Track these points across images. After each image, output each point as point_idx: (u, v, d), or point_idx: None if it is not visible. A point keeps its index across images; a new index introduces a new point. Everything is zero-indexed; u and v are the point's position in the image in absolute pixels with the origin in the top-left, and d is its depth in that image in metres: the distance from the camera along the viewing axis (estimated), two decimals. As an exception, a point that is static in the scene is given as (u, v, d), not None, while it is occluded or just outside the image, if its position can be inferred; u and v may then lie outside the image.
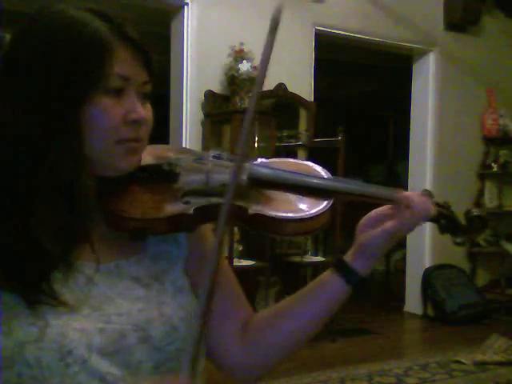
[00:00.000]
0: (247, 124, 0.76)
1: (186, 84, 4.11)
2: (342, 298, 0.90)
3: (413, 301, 5.46)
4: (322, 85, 5.01)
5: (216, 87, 4.15)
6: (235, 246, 3.97)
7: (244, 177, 0.85)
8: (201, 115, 4.15)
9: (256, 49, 4.03)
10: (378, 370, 3.80)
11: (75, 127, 0.76)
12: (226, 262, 1.01)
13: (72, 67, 0.76)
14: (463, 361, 3.94)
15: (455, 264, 5.41)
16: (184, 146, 4.08)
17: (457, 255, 5.41)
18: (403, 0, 5.07)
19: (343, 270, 0.89)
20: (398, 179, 7.85)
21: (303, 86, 4.53)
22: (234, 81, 4.02)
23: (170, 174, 0.86)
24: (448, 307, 5.13)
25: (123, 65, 0.78)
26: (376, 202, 0.89)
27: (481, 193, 5.64)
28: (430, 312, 5.31)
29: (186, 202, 0.82)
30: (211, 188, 0.84)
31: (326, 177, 0.92)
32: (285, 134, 4.52)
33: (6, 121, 0.77)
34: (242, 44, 4.07)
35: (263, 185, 0.87)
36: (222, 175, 0.85)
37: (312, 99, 4.61)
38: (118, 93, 0.79)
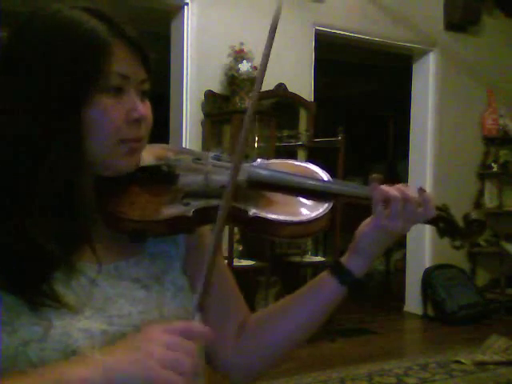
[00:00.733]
0: (246, 124, 0.76)
1: (186, 84, 4.11)
2: (337, 299, 0.90)
3: (413, 301, 5.46)
4: (322, 85, 5.01)
5: (216, 87, 4.15)
6: (235, 246, 3.97)
7: (243, 179, 0.84)
8: (201, 115, 4.15)
9: (256, 49, 4.03)
10: (377, 370, 3.80)
11: (76, 128, 0.76)
12: (224, 262, 1.00)
13: (71, 66, 0.76)
14: (463, 361, 3.93)
15: (455, 264, 5.41)
16: (184, 146, 4.08)
17: (457, 255, 5.40)
18: (403, 0, 5.07)
19: (338, 270, 0.89)
20: (398, 179, 7.85)
21: (303, 86, 4.53)
22: (233, 81, 4.02)
23: (169, 175, 0.86)
24: (448, 307, 5.13)
25: (122, 63, 0.78)
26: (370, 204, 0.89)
27: (481, 193, 5.64)
28: (430, 312, 5.31)
29: (186, 204, 0.82)
30: (211, 189, 0.84)
31: (325, 179, 0.91)
32: (285, 133, 4.52)
33: (6, 121, 0.77)
34: (242, 44, 4.07)
35: (262, 187, 0.87)
36: (222, 176, 0.85)
37: (312, 99, 4.61)
38: (118, 92, 0.79)
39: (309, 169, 0.94)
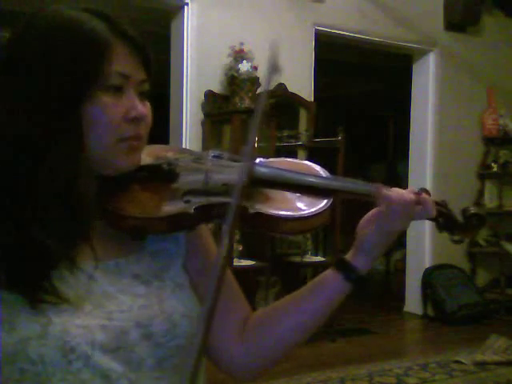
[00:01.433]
0: (253, 131, 0.76)
1: (186, 84, 4.11)
2: (341, 296, 0.90)
3: (413, 301, 5.46)
4: (322, 85, 5.01)
5: (216, 87, 4.15)
6: (235, 246, 3.97)
7: (244, 176, 0.85)
8: (201, 115, 4.15)
9: (256, 49, 4.03)
10: (377, 370, 3.80)
11: (76, 127, 0.77)
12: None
13: (71, 66, 0.76)
14: (463, 361, 3.94)
15: (455, 264, 5.41)
16: (184, 146, 4.08)
17: (457, 255, 5.41)
18: (403, 0, 5.07)
19: (343, 267, 0.90)
20: (398, 179, 7.85)
21: (303, 85, 4.53)
22: (233, 81, 4.02)
23: (169, 173, 0.87)
24: (448, 307, 5.13)
25: (122, 62, 0.79)
26: (369, 200, 0.89)
27: (481, 193, 5.64)
28: (430, 312, 5.31)
29: (187, 202, 0.82)
30: (211, 187, 0.85)
31: (324, 176, 0.92)
32: (285, 134, 4.52)
33: (6, 121, 0.77)
34: (242, 44, 4.07)
35: (262, 184, 0.87)
36: (222, 175, 0.86)
37: (312, 99, 4.61)
38: (118, 91, 0.79)
39: (307, 166, 0.95)
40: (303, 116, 4.64)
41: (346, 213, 3.93)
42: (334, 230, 4.35)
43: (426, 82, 5.36)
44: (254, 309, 0.97)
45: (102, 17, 0.79)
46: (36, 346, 0.71)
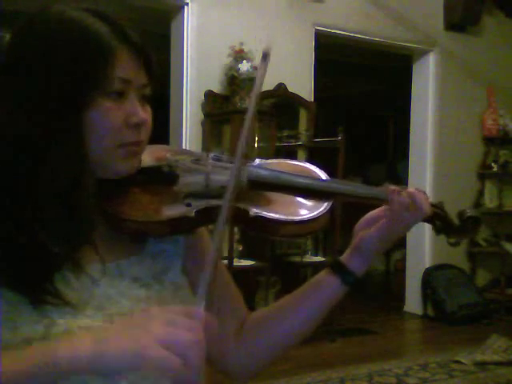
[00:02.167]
0: (245, 131, 0.76)
1: (186, 84, 4.11)
2: (337, 298, 0.91)
3: (413, 301, 5.46)
4: (322, 85, 5.01)
5: (216, 87, 4.15)
6: (235, 245, 3.97)
7: (244, 179, 0.85)
8: (201, 115, 4.15)
9: (256, 49, 4.03)
10: (377, 370, 3.80)
11: (76, 129, 0.76)
12: (221, 262, 1.01)
13: (73, 69, 0.76)
14: (463, 361, 3.94)
15: (455, 264, 5.41)
16: (184, 146, 4.08)
17: (457, 255, 5.41)
18: (403, 0, 5.07)
19: (339, 270, 0.90)
20: (398, 179, 7.85)
21: (303, 86, 4.53)
22: (233, 81, 4.02)
23: (169, 175, 0.86)
24: (448, 307, 5.13)
25: (124, 67, 0.78)
26: (372, 204, 0.90)
27: (481, 193, 5.64)
28: (430, 312, 5.31)
29: (188, 205, 0.82)
30: (211, 190, 0.85)
31: (324, 178, 0.92)
32: (285, 134, 4.52)
33: (6, 121, 0.77)
34: (241, 44, 4.07)
35: (262, 187, 0.87)
36: (223, 176, 0.86)
37: (312, 99, 4.61)
38: (119, 96, 0.79)
39: (307, 168, 0.95)
40: (303, 116, 4.63)
41: (346, 213, 3.93)
42: (334, 230, 4.35)
43: (426, 82, 5.36)
44: (254, 309, 0.98)
45: (105, 19, 0.78)
46: None
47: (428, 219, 0.90)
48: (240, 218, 0.82)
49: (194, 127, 4.14)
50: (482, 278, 5.72)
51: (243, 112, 3.88)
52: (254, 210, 0.82)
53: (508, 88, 5.69)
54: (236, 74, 4.00)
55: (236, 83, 4.00)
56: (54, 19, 0.78)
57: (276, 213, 0.83)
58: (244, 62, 4.01)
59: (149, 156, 0.87)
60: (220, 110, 4.09)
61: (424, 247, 5.31)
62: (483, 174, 5.63)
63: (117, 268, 0.82)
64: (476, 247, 5.55)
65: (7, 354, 0.66)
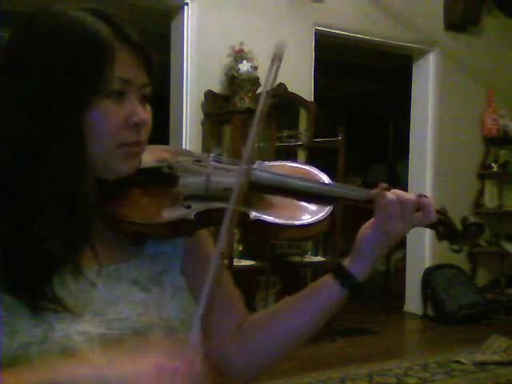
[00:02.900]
0: (253, 134, 0.76)
1: (186, 84, 4.11)
2: (338, 302, 0.90)
3: (413, 301, 5.46)
4: (322, 85, 5.01)
5: (216, 87, 4.15)
6: (235, 245, 3.97)
7: (245, 181, 0.84)
8: (201, 115, 4.15)
9: (256, 49, 4.03)
10: (378, 370, 3.80)
11: (77, 130, 0.76)
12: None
13: (73, 69, 0.75)
14: (463, 361, 3.93)
15: (455, 264, 5.41)
16: (184, 146, 4.08)
17: (457, 255, 5.40)
18: (403, 0, 5.07)
19: (340, 273, 0.90)
20: (398, 179, 7.85)
21: (303, 85, 4.53)
22: (233, 81, 4.02)
23: (170, 177, 0.86)
24: (448, 307, 5.13)
25: (124, 68, 0.78)
26: (370, 207, 0.89)
27: (481, 193, 5.64)
28: (430, 312, 5.31)
29: (187, 207, 0.82)
30: (212, 192, 0.84)
31: (326, 182, 0.91)
32: (285, 134, 4.52)
33: (6, 120, 0.77)
34: (241, 44, 4.06)
35: (263, 190, 0.87)
36: (223, 179, 0.85)
37: (312, 99, 4.61)
38: (119, 96, 0.78)
39: (310, 171, 0.94)
40: (303, 116, 4.63)
41: (346, 213, 3.92)
42: (334, 230, 4.35)
43: (426, 82, 5.36)
44: (254, 309, 0.98)
45: (106, 19, 0.78)
46: (37, 350, 0.71)
47: (431, 225, 0.89)
48: (240, 221, 0.81)
49: (194, 127, 4.14)
50: (482, 278, 5.72)
51: (243, 112, 3.88)
52: (254, 214, 0.82)
53: (508, 88, 5.68)
54: (236, 74, 4.00)
55: (236, 83, 4.00)
56: (54, 19, 0.78)
57: (276, 217, 0.83)
58: (244, 61, 4.01)
59: (149, 156, 0.87)
60: (220, 110, 4.09)
61: (424, 247, 5.31)
62: (483, 174, 5.63)
63: (115, 271, 0.82)
64: (476, 247, 5.55)
65: (7, 373, 0.66)
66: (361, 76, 7.95)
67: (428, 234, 5.16)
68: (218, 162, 0.91)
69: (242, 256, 4.08)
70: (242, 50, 4.05)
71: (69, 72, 0.75)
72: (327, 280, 0.90)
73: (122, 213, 0.80)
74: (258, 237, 0.98)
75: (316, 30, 4.62)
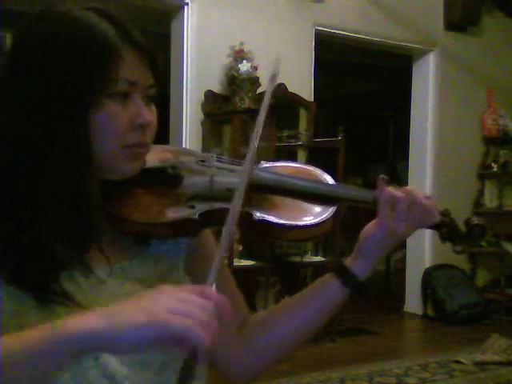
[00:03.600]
0: (255, 138, 0.76)
1: (186, 84, 4.11)
2: (339, 301, 0.90)
3: (413, 301, 5.46)
4: (321, 85, 5.01)
5: (216, 87, 4.15)
6: (235, 245, 3.97)
7: (248, 182, 0.84)
8: (201, 115, 4.15)
9: (256, 49, 4.03)
10: (378, 370, 3.80)
11: (81, 130, 0.75)
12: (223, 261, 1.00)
13: (75, 69, 0.75)
14: (463, 361, 3.93)
15: (455, 264, 5.41)
16: (184, 145, 4.08)
17: (457, 255, 5.39)
18: (403, 0, 5.07)
19: (341, 272, 0.90)
20: (398, 179, 7.84)
21: (303, 85, 4.53)
22: (234, 81, 4.02)
23: (174, 177, 0.86)
24: (448, 307, 5.13)
25: (130, 69, 0.77)
26: (374, 209, 0.88)
27: (481, 193, 5.64)
28: (430, 312, 5.31)
29: (191, 207, 0.82)
30: (216, 192, 0.84)
31: (330, 183, 0.91)
32: (285, 134, 4.52)
33: (6, 120, 0.77)
34: (241, 44, 4.07)
35: (267, 190, 0.87)
36: (227, 179, 0.85)
37: (312, 99, 4.61)
38: (124, 97, 0.78)
39: (313, 172, 0.94)
40: (303, 116, 4.63)
41: (347, 212, 3.92)
42: (335, 230, 4.35)
43: (426, 82, 5.36)
44: (254, 309, 0.98)
45: (112, 20, 0.78)
46: None
47: (434, 226, 0.89)
48: (243, 221, 0.81)
49: (194, 127, 4.14)
50: (482, 278, 5.72)
51: (243, 112, 3.89)
52: (257, 214, 0.82)
53: (508, 88, 5.68)
54: (236, 74, 4.00)
55: (236, 83, 4.00)
56: (59, 19, 0.77)
57: (279, 217, 0.83)
58: (244, 61, 4.01)
59: (153, 157, 0.86)
60: (220, 110, 4.09)
61: (424, 247, 5.32)
62: (483, 174, 5.63)
63: (121, 270, 0.82)
64: (476, 247, 5.54)
65: (11, 335, 0.64)
66: (361, 76, 7.95)
67: (428, 234, 5.15)
68: (222, 162, 0.90)
69: (242, 256, 4.08)
70: (242, 50, 4.05)
71: (70, 72, 0.75)
72: (329, 279, 0.90)
73: (126, 213, 0.80)
74: (261, 237, 0.99)
75: (316, 29, 4.62)
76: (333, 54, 6.12)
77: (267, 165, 0.93)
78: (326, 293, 0.90)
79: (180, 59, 4.13)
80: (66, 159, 0.76)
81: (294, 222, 0.83)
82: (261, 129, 0.78)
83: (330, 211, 0.86)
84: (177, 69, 4.18)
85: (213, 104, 4.11)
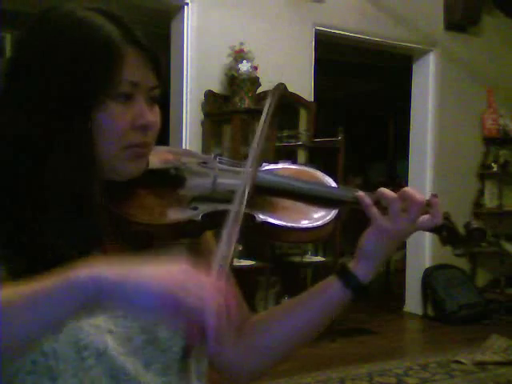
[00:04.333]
0: (259, 141, 0.76)
1: (186, 84, 4.11)
2: (340, 303, 0.90)
3: (413, 301, 5.46)
4: (321, 85, 5.01)
5: (216, 87, 4.15)
6: (235, 246, 3.97)
7: (251, 184, 0.84)
8: (201, 115, 4.15)
9: (256, 49, 4.03)
10: (378, 370, 3.80)
11: (83, 131, 0.75)
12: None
13: (82, 71, 0.75)
14: (463, 361, 3.93)
15: (455, 264, 5.40)
16: (184, 146, 4.08)
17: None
18: (403, 0, 5.07)
19: (343, 273, 0.89)
20: (398, 179, 7.85)
21: (303, 86, 4.53)
22: (234, 81, 4.02)
23: (176, 178, 0.86)
24: (448, 307, 5.13)
25: (133, 70, 0.77)
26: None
27: (481, 193, 5.64)
28: (430, 312, 5.31)
29: (194, 208, 0.82)
30: (218, 194, 0.84)
31: (331, 186, 0.92)
32: (285, 133, 4.52)
33: (6, 120, 0.77)
34: (242, 44, 4.07)
35: (269, 192, 0.87)
36: (230, 180, 0.85)
37: (312, 99, 4.61)
38: (127, 99, 0.78)
39: (315, 174, 0.94)
40: (303, 116, 4.63)
41: (349, 215, 3.93)
42: (335, 230, 4.34)
43: (426, 82, 5.36)
44: (253, 308, 0.98)
45: (115, 21, 0.77)
46: (50, 340, 0.71)
47: (435, 229, 0.89)
48: (246, 223, 0.80)
49: (194, 127, 4.14)
50: (482, 278, 5.72)
51: (243, 112, 3.89)
52: (260, 216, 0.82)
53: (508, 88, 5.68)
54: (236, 74, 4.00)
55: (236, 83, 4.00)
56: (62, 19, 0.77)
57: (281, 219, 0.83)
58: (244, 61, 4.01)
59: (156, 158, 0.87)
60: (220, 110, 4.09)
61: (424, 247, 5.31)
62: (483, 174, 5.63)
63: None
64: (476, 247, 5.53)
65: (15, 284, 0.61)
66: (361, 76, 7.95)
67: (428, 234, 5.14)
68: (224, 164, 0.91)
69: (242, 256, 4.08)
70: (242, 50, 4.05)
71: (73, 73, 0.75)
72: (331, 281, 0.90)
73: (128, 213, 0.80)
74: (263, 239, 0.99)
75: (316, 29, 4.62)
76: (333, 54, 6.12)
77: (269, 167, 0.93)
78: (326, 294, 0.90)
79: (180, 59, 4.13)
80: (67, 159, 0.76)
81: (296, 225, 0.83)
82: (263, 135, 0.78)
83: (332, 214, 0.86)
84: (177, 69, 4.18)
85: (213, 104, 4.11)
